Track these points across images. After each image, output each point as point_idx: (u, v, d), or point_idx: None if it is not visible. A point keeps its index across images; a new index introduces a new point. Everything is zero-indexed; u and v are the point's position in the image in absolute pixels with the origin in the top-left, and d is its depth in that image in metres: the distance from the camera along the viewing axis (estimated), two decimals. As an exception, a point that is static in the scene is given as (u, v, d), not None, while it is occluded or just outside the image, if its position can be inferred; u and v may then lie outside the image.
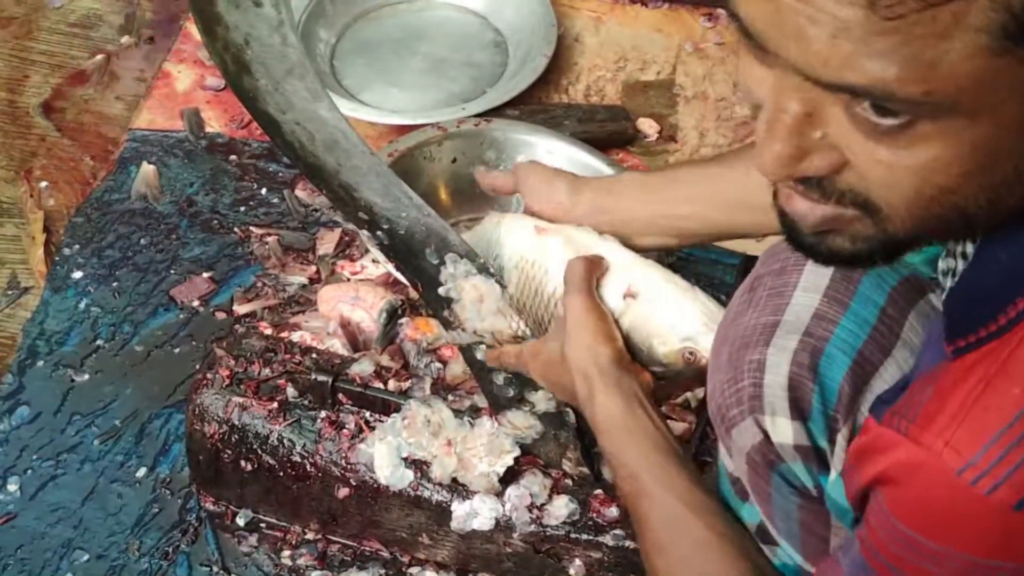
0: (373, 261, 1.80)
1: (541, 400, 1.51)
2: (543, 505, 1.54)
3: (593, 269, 1.37)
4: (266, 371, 1.63)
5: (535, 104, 2.16)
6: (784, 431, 1.12)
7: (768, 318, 1.15)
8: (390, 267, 1.65)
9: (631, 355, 1.35)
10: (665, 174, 1.49)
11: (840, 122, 0.80)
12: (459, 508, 1.55)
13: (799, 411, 1.11)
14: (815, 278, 1.16)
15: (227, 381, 1.63)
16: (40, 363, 1.87)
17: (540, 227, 1.46)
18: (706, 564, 1.21)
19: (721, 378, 1.18)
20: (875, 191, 0.82)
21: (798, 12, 0.74)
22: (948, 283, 0.94)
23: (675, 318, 1.35)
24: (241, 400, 1.62)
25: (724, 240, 1.52)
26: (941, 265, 0.97)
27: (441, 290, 1.45)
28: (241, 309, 1.82)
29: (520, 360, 1.45)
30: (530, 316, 1.45)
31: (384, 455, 1.57)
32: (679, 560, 1.22)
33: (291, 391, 1.62)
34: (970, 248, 0.91)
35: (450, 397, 1.59)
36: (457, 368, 1.63)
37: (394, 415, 1.57)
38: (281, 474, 1.62)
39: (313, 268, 1.88)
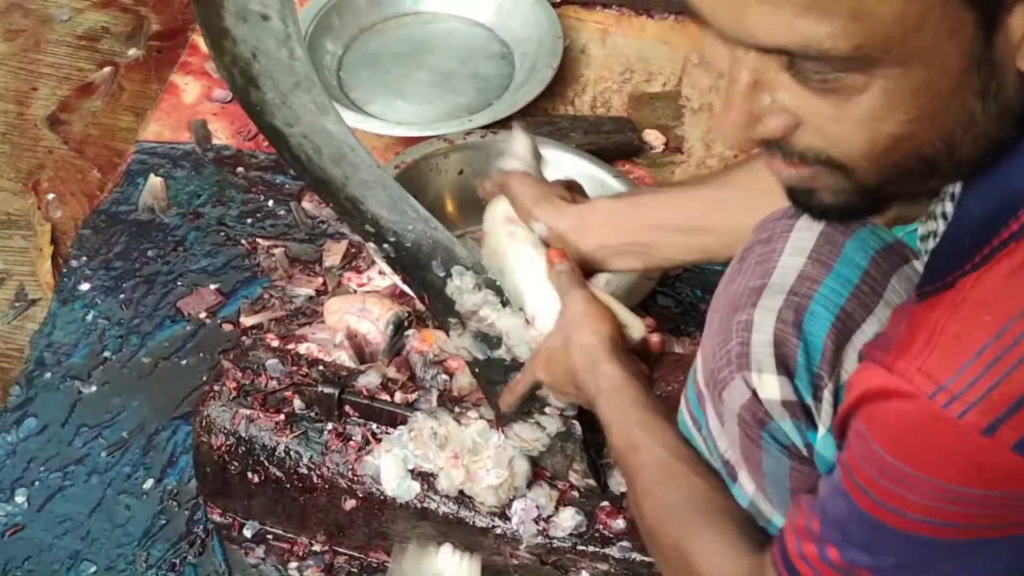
0: (380, 273, 1.81)
1: (550, 422, 1.51)
2: (550, 517, 1.54)
3: (577, 270, 1.43)
4: (273, 383, 1.64)
5: (541, 116, 2.16)
6: (771, 387, 1.15)
7: (756, 282, 1.19)
8: (396, 279, 1.66)
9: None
10: (631, 199, 1.52)
11: (787, 86, 0.86)
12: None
13: (785, 367, 1.14)
14: (801, 243, 1.20)
15: (234, 393, 1.64)
16: (48, 375, 1.87)
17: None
18: (691, 502, 1.24)
19: (712, 343, 1.21)
20: (831, 147, 0.88)
21: None
22: (930, 245, 0.99)
23: None
24: (248, 412, 1.62)
25: (689, 264, 1.57)
26: (920, 230, 1.03)
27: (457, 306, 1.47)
28: (248, 321, 1.83)
29: (526, 374, 1.46)
30: None
31: (390, 467, 1.57)
32: (666, 502, 1.25)
33: (298, 403, 1.62)
34: (949, 207, 0.96)
35: (456, 409, 1.59)
36: (464, 380, 1.63)
37: (400, 427, 1.58)
38: (288, 486, 1.62)
39: (320, 280, 1.88)
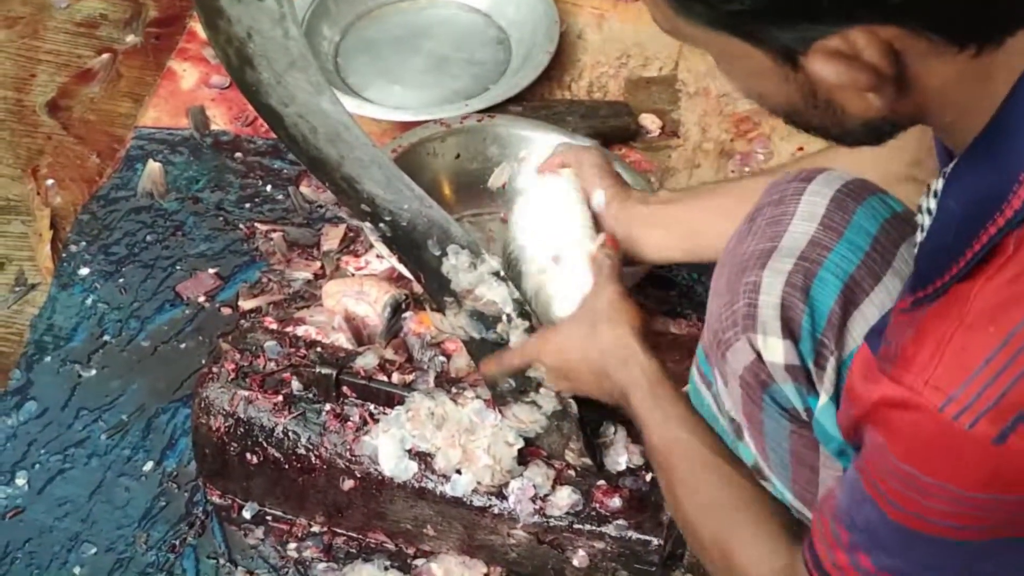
0: (377, 256, 1.82)
1: (546, 400, 1.52)
2: (546, 496, 1.55)
3: (619, 265, 1.45)
4: (271, 364, 1.64)
5: (538, 100, 2.17)
6: (775, 350, 1.17)
7: (766, 244, 1.20)
8: (393, 260, 1.66)
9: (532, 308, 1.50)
10: (703, 186, 1.56)
11: None
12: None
13: (790, 331, 1.16)
14: (812, 208, 1.21)
15: (232, 375, 1.64)
16: (47, 359, 1.88)
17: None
18: (732, 499, 1.27)
19: (718, 302, 1.23)
20: None
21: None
22: (918, 239, 1.00)
23: (576, 293, 1.46)
24: (246, 393, 1.63)
25: None
26: (918, 219, 1.03)
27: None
28: (246, 304, 1.83)
29: (525, 352, 1.47)
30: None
31: (388, 447, 1.58)
32: (708, 498, 1.28)
33: (296, 384, 1.63)
34: (932, 204, 0.98)
35: (454, 389, 1.59)
36: (461, 361, 1.64)
37: (398, 407, 1.58)
38: (286, 467, 1.63)
39: (318, 264, 1.89)
